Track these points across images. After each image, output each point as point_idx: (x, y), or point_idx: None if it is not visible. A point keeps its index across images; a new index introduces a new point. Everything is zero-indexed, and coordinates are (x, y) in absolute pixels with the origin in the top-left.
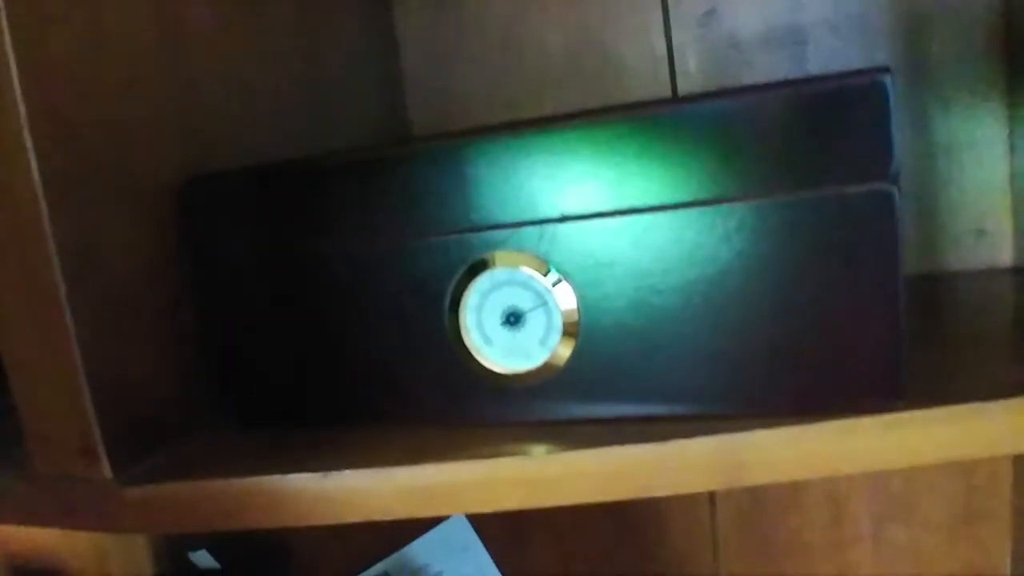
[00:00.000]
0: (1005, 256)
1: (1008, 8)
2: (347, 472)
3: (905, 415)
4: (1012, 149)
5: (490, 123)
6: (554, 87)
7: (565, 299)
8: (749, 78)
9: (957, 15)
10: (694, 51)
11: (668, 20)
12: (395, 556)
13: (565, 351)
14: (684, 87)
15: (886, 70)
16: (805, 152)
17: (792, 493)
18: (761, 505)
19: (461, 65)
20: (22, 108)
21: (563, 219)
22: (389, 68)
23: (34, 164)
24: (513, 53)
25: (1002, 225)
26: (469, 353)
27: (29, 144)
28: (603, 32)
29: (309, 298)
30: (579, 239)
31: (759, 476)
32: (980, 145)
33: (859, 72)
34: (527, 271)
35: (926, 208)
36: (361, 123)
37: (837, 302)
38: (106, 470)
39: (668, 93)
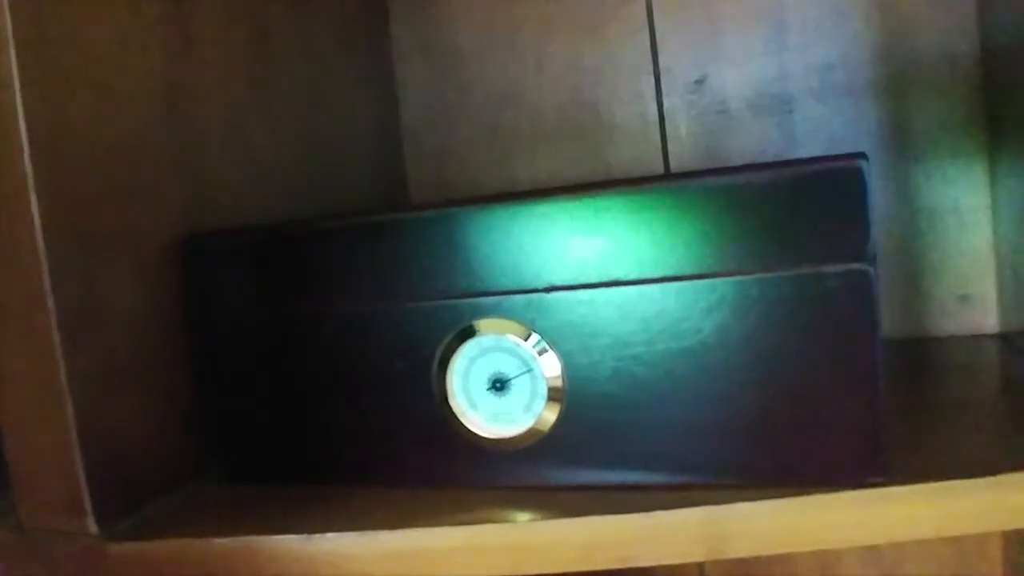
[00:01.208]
0: (990, 322)
1: (988, 77)
2: (331, 535)
3: (886, 491)
4: (994, 215)
5: (485, 178)
6: (548, 146)
7: (550, 367)
8: (737, 143)
9: (939, 85)
10: (684, 116)
11: (660, 86)
12: None
13: (549, 417)
14: (674, 150)
15: (862, 156)
16: (785, 231)
17: (782, 555)
18: (750, 567)
19: (458, 122)
20: (29, 167)
21: (550, 289)
22: (388, 123)
23: (38, 223)
24: (509, 112)
25: (986, 291)
26: (455, 417)
27: (35, 203)
28: (597, 95)
29: (301, 357)
30: (565, 309)
31: (741, 548)
32: (963, 211)
33: (837, 157)
34: (513, 338)
35: (910, 273)
36: (359, 177)
37: (816, 377)
38: (92, 526)
39: (659, 155)
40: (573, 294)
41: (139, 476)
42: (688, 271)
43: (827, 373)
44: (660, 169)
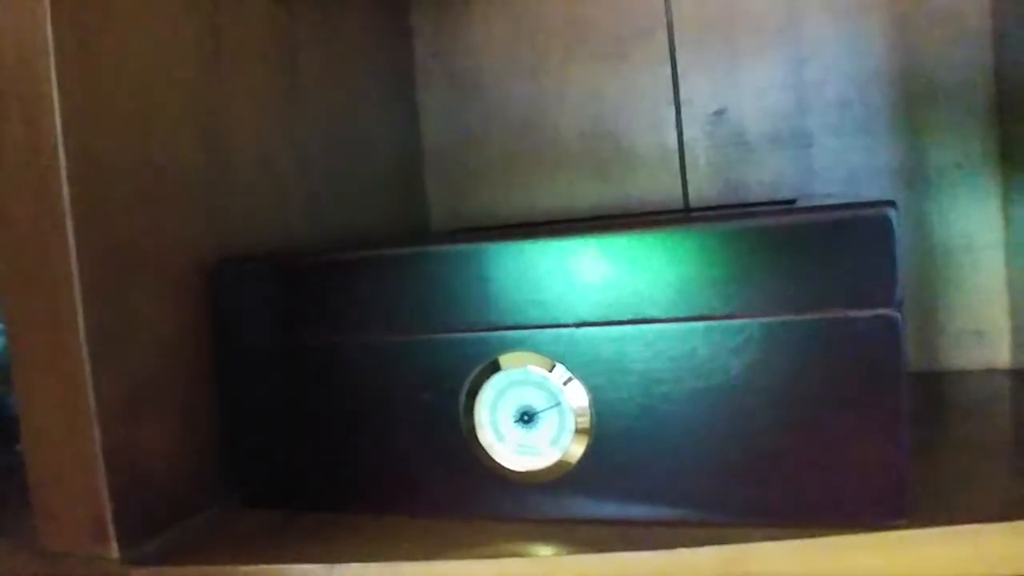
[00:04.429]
0: (1003, 358)
1: (1003, 115)
2: (354, 565)
3: (908, 533)
4: (1008, 252)
5: (504, 204)
6: (568, 172)
7: (578, 401)
8: (755, 175)
9: (955, 123)
10: (704, 146)
11: (680, 116)
12: None
13: (576, 452)
14: (693, 180)
15: (891, 203)
16: (814, 275)
17: None
18: None
19: (480, 147)
20: (66, 189)
21: (579, 324)
22: (411, 147)
23: (72, 245)
24: (530, 139)
25: (1000, 327)
26: (482, 448)
27: (69, 225)
28: (617, 124)
29: (327, 385)
30: (594, 344)
31: None
32: (977, 248)
33: (866, 204)
34: (542, 372)
35: (926, 308)
36: (381, 200)
37: (841, 419)
38: (114, 550)
39: (678, 185)
40: (602, 330)
41: (162, 500)
42: (717, 311)
43: (852, 416)
44: (679, 198)
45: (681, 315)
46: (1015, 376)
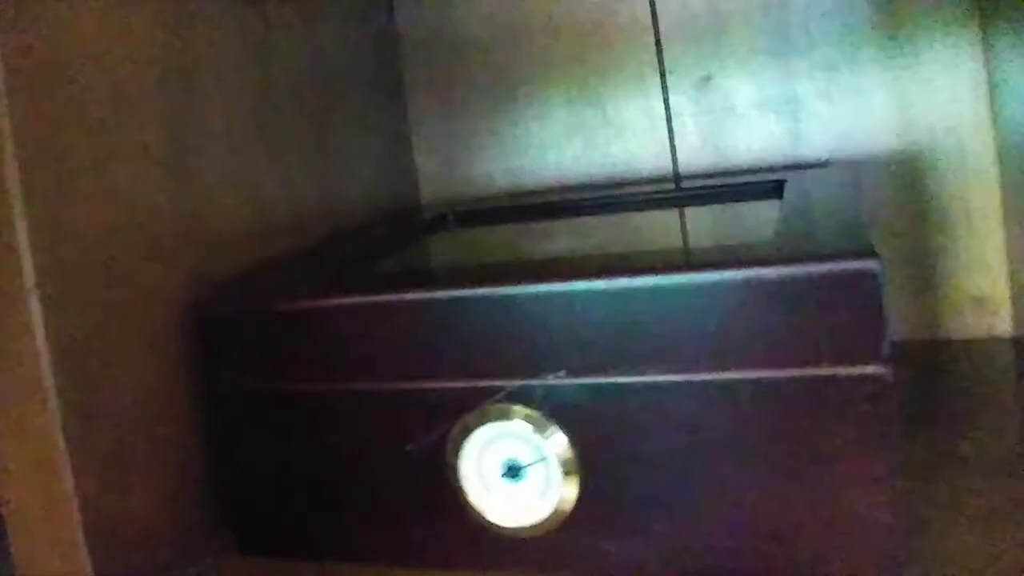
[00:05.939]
0: (1004, 326)
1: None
2: None
3: None
4: (1006, 220)
5: (493, 175)
6: (556, 147)
7: (564, 454)
8: (744, 140)
9: (947, 83)
10: (691, 113)
11: (666, 84)
12: None
13: (563, 505)
14: (682, 146)
15: (874, 255)
16: (800, 330)
17: None
18: None
19: (467, 119)
20: (29, 260)
21: (566, 376)
22: (399, 147)
23: (41, 321)
24: (516, 108)
25: (1000, 295)
26: (468, 501)
27: (38, 313)
28: (603, 93)
29: (314, 433)
30: (581, 398)
31: None
32: (975, 215)
33: (849, 256)
34: (528, 424)
35: (926, 277)
36: (368, 208)
37: (831, 476)
38: None
39: (667, 152)
40: (589, 383)
41: (148, 556)
42: (703, 366)
43: (842, 472)
44: (668, 166)
45: (668, 369)
46: (1016, 344)
